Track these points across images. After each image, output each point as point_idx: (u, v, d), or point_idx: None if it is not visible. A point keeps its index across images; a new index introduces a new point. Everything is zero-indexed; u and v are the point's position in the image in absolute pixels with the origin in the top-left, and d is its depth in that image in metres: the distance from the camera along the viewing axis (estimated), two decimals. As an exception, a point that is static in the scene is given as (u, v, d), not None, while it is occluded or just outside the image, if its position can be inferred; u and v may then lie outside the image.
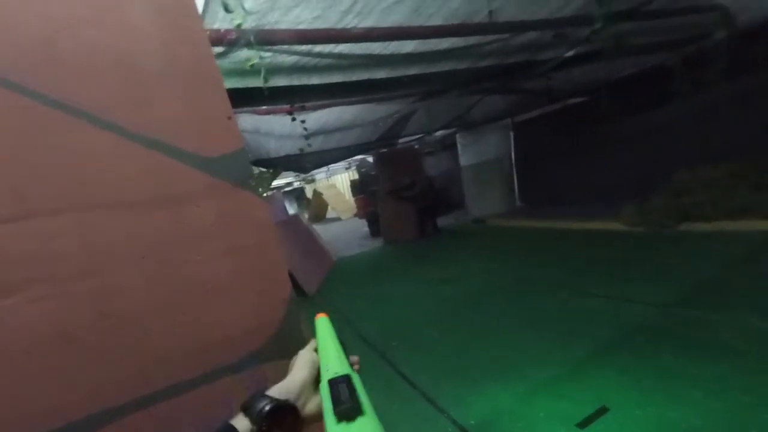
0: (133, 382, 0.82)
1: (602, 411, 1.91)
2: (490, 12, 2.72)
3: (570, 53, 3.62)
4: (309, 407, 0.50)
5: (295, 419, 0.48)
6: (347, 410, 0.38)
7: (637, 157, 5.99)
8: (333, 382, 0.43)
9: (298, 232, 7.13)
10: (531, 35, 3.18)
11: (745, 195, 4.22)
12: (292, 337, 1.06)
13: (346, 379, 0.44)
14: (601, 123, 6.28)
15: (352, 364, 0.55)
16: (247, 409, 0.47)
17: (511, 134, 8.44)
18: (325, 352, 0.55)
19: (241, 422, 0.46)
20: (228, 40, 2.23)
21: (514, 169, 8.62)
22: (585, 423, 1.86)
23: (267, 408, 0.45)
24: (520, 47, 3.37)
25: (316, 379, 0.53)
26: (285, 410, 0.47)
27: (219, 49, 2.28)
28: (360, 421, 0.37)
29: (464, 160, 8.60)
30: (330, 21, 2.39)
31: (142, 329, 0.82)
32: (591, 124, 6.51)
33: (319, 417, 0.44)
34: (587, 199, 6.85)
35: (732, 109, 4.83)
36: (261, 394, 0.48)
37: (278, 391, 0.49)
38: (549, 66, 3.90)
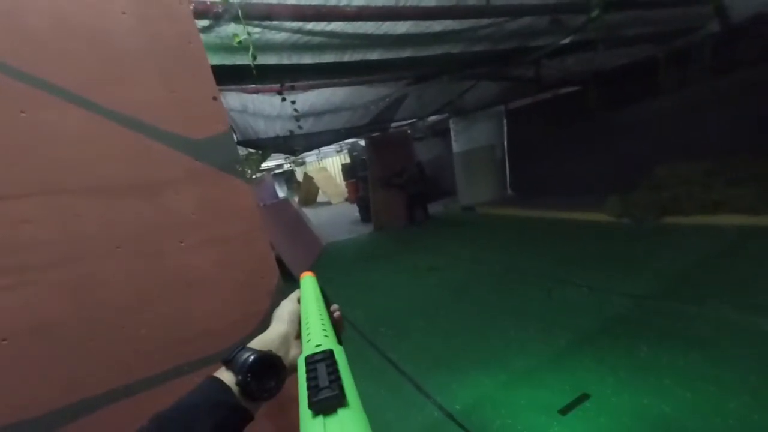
0: (112, 373, 0.80)
1: (583, 398, 1.98)
2: (488, -6, 2.65)
3: (564, 41, 3.57)
4: (291, 357, 0.50)
5: (279, 370, 0.48)
6: (325, 401, 0.30)
7: (623, 149, 6.06)
8: (311, 361, 0.35)
9: (288, 216, 7.06)
10: (526, 20, 3.12)
11: (719, 191, 4.34)
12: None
13: (326, 356, 0.36)
14: (591, 114, 6.30)
15: (332, 313, 0.53)
16: (229, 362, 0.46)
17: (505, 121, 8.39)
18: (307, 317, 0.48)
19: (224, 374, 0.45)
20: (214, 14, 2.12)
21: (507, 157, 8.61)
22: (566, 410, 1.92)
23: (251, 359, 0.45)
24: (514, 33, 3.31)
25: (298, 332, 0.52)
26: (268, 361, 0.46)
27: (204, 23, 2.17)
28: (341, 415, 0.29)
29: (457, 146, 8.54)
30: (321, -2, 2.29)
31: (121, 321, 0.79)
32: (581, 114, 6.54)
33: None
34: (576, 189, 6.92)
35: (712, 105, 4.89)
36: (242, 347, 0.47)
37: (259, 343, 0.49)
38: (542, 53, 3.86)
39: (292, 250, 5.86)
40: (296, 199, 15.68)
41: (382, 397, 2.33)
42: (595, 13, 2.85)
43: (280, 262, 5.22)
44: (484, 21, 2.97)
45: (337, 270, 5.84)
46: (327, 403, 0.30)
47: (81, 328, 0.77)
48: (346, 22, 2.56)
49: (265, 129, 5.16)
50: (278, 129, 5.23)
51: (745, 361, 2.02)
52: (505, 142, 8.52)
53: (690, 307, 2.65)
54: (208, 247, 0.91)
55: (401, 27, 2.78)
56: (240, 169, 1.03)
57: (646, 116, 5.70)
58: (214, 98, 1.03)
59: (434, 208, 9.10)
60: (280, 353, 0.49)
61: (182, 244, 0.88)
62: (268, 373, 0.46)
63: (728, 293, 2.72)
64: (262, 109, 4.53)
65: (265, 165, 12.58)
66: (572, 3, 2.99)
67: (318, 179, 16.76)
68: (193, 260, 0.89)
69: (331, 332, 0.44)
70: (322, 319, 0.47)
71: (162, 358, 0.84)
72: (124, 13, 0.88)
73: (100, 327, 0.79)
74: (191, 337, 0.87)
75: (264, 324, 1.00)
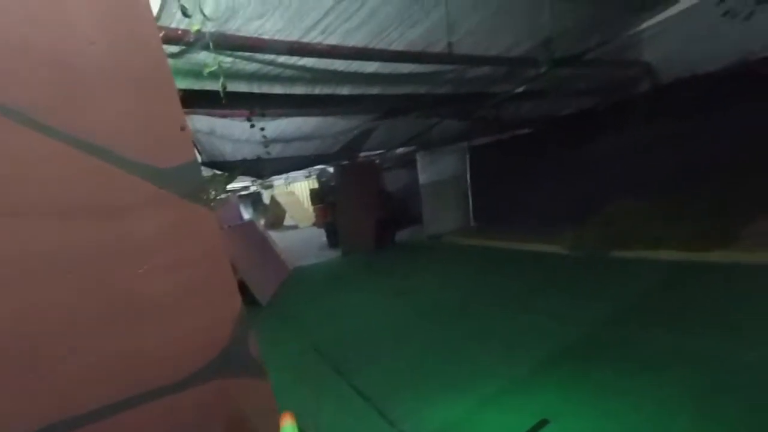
0: (53, 406, 0.77)
1: (543, 423, 2.06)
2: (449, 44, 2.91)
3: (519, 90, 3.95)
4: None
5: None
6: None
7: (575, 186, 6.65)
8: None
9: (253, 239, 6.87)
10: (485, 69, 3.43)
11: (659, 228, 4.82)
12: (239, 357, 1.03)
13: None
14: (545, 154, 6.87)
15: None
16: None
17: (467, 157, 8.88)
18: None
19: None
20: (185, 42, 2.15)
21: (469, 190, 9.05)
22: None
23: None
24: (474, 79, 3.61)
25: None
26: None
27: (174, 49, 2.18)
28: None
29: (423, 178, 8.88)
30: (293, 35, 2.41)
31: (64, 349, 0.77)
32: (537, 154, 7.12)
33: None
34: (534, 221, 7.38)
35: (653, 149, 5.54)
36: None
37: None
38: (499, 98, 4.22)
39: (256, 273, 5.68)
40: (262, 221, 15.31)
41: (348, 426, 2.30)
42: (543, 69, 3.21)
43: (243, 286, 5.05)
44: (448, 67, 3.24)
45: (304, 294, 5.74)
46: None
47: (18, 358, 0.74)
48: (317, 59, 2.69)
49: (233, 152, 5.11)
50: (246, 153, 5.20)
51: (687, 382, 2.18)
52: (468, 176, 8.98)
53: (638, 334, 2.85)
54: (168, 273, 0.91)
55: (370, 66, 2.96)
56: (204, 197, 1.05)
57: (593, 158, 6.30)
58: (182, 128, 1.06)
59: (401, 236, 9.26)
60: None
61: (141, 270, 0.88)
62: None
63: (672, 321, 2.95)
64: (231, 132, 4.51)
65: (231, 186, 12.27)
66: (525, 58, 3.34)
67: (285, 203, 16.54)
68: (151, 286, 0.88)
69: None
70: None
71: (111, 387, 0.82)
72: (92, 42, 0.88)
73: (41, 356, 0.76)
74: (146, 364, 0.86)
75: (226, 352, 1.00)
